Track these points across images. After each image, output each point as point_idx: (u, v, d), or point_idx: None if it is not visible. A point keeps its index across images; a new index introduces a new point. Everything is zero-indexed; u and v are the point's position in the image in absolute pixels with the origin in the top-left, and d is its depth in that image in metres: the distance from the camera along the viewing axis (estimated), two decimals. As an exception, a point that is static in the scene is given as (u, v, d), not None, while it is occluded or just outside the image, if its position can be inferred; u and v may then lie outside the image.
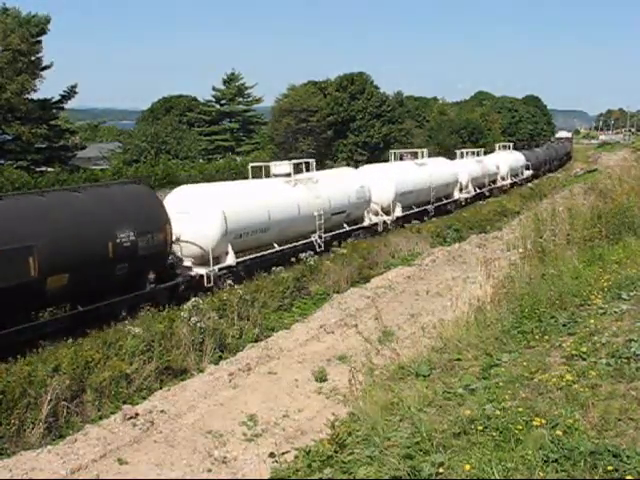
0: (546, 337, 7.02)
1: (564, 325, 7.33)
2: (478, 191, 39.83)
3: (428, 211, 31.61)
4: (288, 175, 22.11)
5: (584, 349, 6.07)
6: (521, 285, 10.04)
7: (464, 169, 37.92)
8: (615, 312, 7.24)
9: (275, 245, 20.12)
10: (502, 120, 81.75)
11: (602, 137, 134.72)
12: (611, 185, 19.22)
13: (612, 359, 5.72)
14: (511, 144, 54.16)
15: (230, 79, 64.98)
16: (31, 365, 11.05)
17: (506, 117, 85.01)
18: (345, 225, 25.13)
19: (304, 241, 21.60)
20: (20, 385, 10.34)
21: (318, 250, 21.82)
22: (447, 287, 18.19)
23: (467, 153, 43.00)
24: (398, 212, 28.23)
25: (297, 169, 23.46)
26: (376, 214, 27.12)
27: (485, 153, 55.11)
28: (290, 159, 38.76)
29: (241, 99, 65.47)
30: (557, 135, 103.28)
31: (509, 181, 46.71)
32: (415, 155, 33.96)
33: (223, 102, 65.13)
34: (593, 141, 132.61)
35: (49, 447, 9.66)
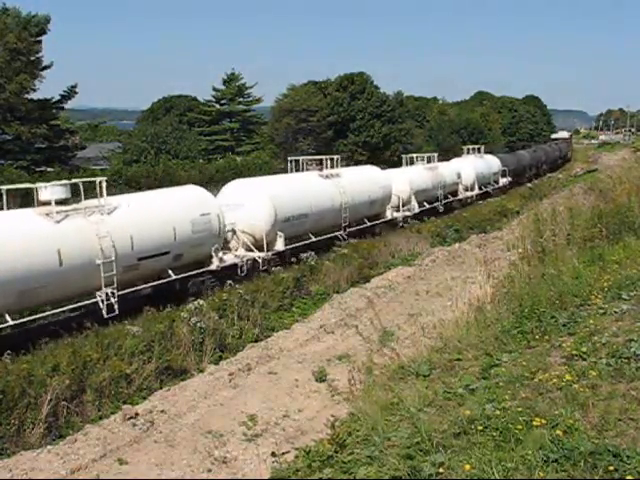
0: (546, 337, 7.02)
1: (564, 325, 7.33)
2: (427, 206, 32.27)
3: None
4: None
5: (584, 349, 6.06)
6: (521, 285, 10.04)
7: (403, 180, 30.06)
8: (615, 312, 7.24)
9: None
10: (502, 120, 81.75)
11: (602, 137, 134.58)
12: (611, 185, 19.23)
13: (612, 359, 5.72)
14: (481, 147, 44.87)
15: (230, 79, 64.91)
16: (30, 365, 11.05)
17: (506, 117, 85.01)
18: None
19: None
20: (20, 385, 10.34)
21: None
22: (447, 287, 18.14)
23: (417, 158, 36.49)
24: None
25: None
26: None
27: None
28: (290, 159, 38.74)
29: (241, 99, 65.39)
30: (554, 135, 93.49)
31: (476, 192, 39.27)
32: (320, 163, 26.38)
33: (223, 102, 65.06)
34: (593, 141, 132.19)
35: (49, 447, 9.66)
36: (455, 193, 37.03)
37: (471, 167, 39.16)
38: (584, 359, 5.90)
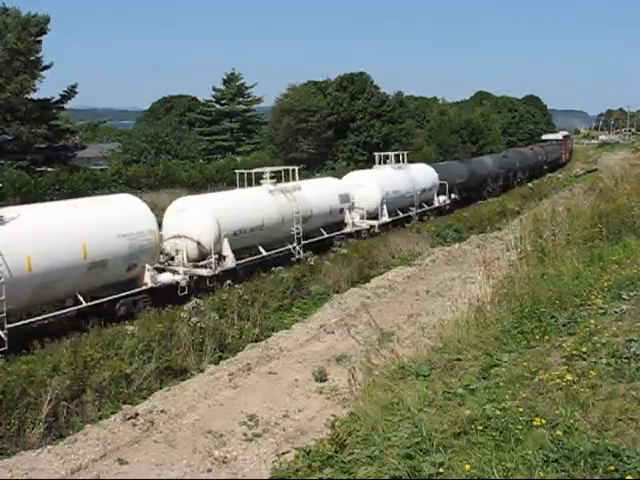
0: (546, 337, 7.02)
1: (564, 325, 7.33)
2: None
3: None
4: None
5: (584, 349, 6.06)
6: (521, 285, 10.04)
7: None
8: (615, 312, 7.24)
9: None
10: (502, 120, 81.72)
11: (602, 137, 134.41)
12: (611, 185, 19.24)
13: (612, 359, 5.72)
14: (405, 152, 33.80)
15: (230, 79, 64.90)
16: (30, 365, 11.06)
17: (506, 117, 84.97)
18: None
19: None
20: (20, 385, 10.34)
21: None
22: (447, 287, 18.17)
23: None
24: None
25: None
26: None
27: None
28: (290, 159, 38.76)
29: (241, 99, 65.37)
30: (545, 136, 76.79)
31: (384, 219, 27.39)
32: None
33: (223, 102, 65.05)
34: (593, 141, 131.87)
35: (49, 447, 9.66)
36: (340, 225, 25.20)
37: (381, 185, 27.83)
38: (584, 359, 5.90)
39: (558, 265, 10.32)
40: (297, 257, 21.51)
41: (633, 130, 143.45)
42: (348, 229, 25.54)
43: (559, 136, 76.78)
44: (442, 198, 33.90)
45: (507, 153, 51.52)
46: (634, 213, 13.12)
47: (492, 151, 58.44)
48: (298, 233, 21.73)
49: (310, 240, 22.71)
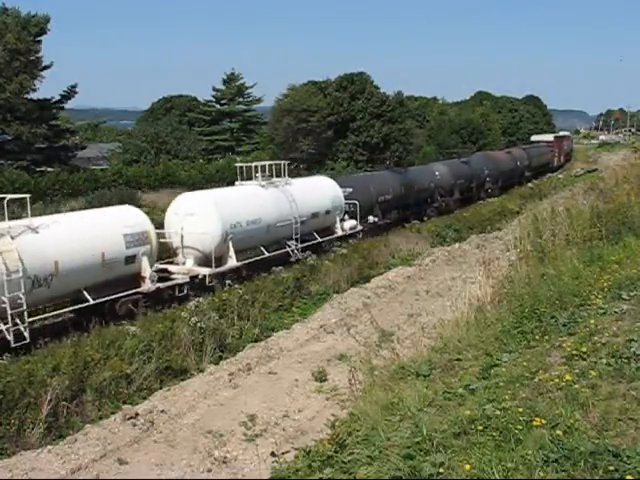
0: (546, 337, 7.01)
1: (564, 325, 7.33)
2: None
3: None
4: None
5: (584, 349, 6.06)
6: (521, 285, 10.04)
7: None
8: (615, 312, 7.23)
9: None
10: (502, 120, 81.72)
11: (602, 137, 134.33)
12: (611, 185, 19.24)
13: (612, 359, 5.72)
14: (285, 162, 23.58)
15: (230, 79, 64.90)
16: (31, 365, 11.06)
17: (506, 117, 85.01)
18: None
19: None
20: (20, 385, 10.35)
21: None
22: (447, 287, 18.18)
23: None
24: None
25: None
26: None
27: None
28: (290, 159, 38.81)
29: (241, 99, 65.38)
30: (536, 137, 70.23)
31: (229, 265, 18.71)
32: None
33: (223, 102, 65.05)
34: (592, 141, 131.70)
35: (49, 447, 9.67)
36: (137, 281, 16.31)
37: (213, 213, 18.54)
38: (584, 359, 5.90)
39: (558, 265, 10.32)
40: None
41: (633, 130, 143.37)
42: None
43: (549, 137, 68.65)
44: (350, 224, 25.08)
45: (470, 158, 41.88)
46: (634, 213, 13.11)
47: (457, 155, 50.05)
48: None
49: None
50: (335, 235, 24.40)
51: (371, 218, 26.93)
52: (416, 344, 9.71)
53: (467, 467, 4.14)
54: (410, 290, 19.05)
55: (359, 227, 25.66)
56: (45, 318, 14.44)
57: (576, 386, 5.15)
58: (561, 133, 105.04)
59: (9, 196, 14.58)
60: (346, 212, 25.48)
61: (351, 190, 26.04)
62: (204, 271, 17.96)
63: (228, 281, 17.89)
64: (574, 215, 14.72)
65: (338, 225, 24.80)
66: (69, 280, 14.17)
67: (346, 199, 25.44)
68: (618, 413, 4.71)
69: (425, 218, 31.54)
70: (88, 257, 14.74)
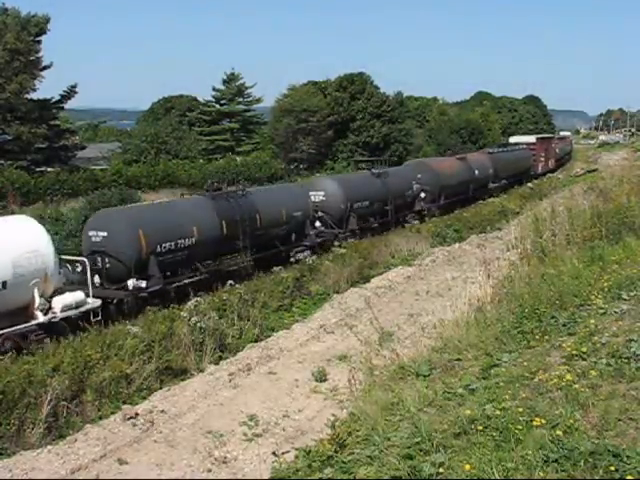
0: (546, 337, 7.01)
1: (564, 325, 7.33)
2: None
3: None
4: None
5: (584, 349, 6.06)
6: (521, 285, 10.04)
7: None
8: (615, 312, 7.23)
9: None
10: (502, 120, 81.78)
11: (602, 137, 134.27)
12: (611, 185, 19.24)
13: (612, 359, 5.72)
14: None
15: (230, 79, 64.94)
16: (31, 365, 11.06)
17: (506, 117, 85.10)
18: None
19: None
20: (20, 385, 10.35)
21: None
22: (447, 287, 18.18)
23: None
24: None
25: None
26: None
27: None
28: (290, 159, 38.75)
29: (241, 99, 65.41)
30: (514, 138, 59.09)
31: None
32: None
33: (223, 102, 65.10)
34: (590, 141, 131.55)
35: (49, 447, 9.66)
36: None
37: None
38: (584, 359, 5.90)
39: (558, 265, 10.32)
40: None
41: (633, 130, 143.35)
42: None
43: (531, 139, 56.42)
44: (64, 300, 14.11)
45: (387, 171, 29.91)
46: (634, 213, 13.11)
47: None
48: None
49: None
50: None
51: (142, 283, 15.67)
52: (416, 344, 9.71)
53: (467, 467, 4.14)
54: (410, 290, 19.04)
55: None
56: None
57: (576, 386, 5.15)
58: (561, 133, 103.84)
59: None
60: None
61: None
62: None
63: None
64: (574, 215, 14.72)
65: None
66: None
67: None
68: (618, 413, 4.71)
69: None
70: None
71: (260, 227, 19.75)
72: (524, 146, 52.37)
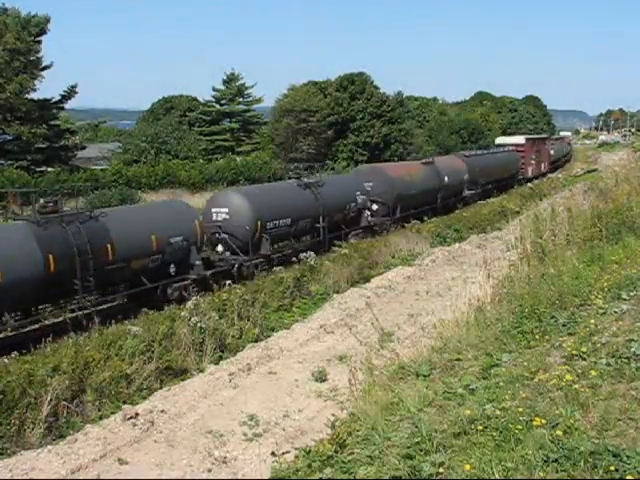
0: (546, 337, 7.02)
1: (564, 325, 7.33)
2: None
3: None
4: None
5: (584, 349, 6.06)
6: (521, 285, 10.04)
7: None
8: (615, 312, 7.23)
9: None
10: (502, 120, 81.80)
11: (602, 137, 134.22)
12: (611, 185, 19.23)
13: (612, 359, 5.72)
14: None
15: (230, 79, 64.96)
16: (31, 365, 11.06)
17: (506, 117, 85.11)
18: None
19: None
20: (20, 385, 10.35)
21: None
22: (447, 287, 18.19)
23: None
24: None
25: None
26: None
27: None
28: (290, 159, 38.83)
29: (241, 99, 65.45)
30: (501, 140, 53.36)
31: None
32: None
33: (223, 102, 65.12)
34: (587, 141, 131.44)
35: (49, 447, 9.66)
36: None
37: None
38: (584, 359, 5.90)
39: (558, 265, 10.32)
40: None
41: (633, 130, 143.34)
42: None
43: (519, 139, 51.38)
44: None
45: (323, 180, 24.16)
46: (634, 213, 13.11)
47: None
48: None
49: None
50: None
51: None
52: (416, 344, 9.71)
53: (467, 467, 4.14)
54: (410, 290, 19.04)
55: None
56: None
57: (576, 386, 5.15)
58: (561, 133, 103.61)
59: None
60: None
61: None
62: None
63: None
64: (574, 215, 14.72)
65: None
66: None
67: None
68: (618, 413, 4.72)
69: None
70: None
71: (112, 260, 15.38)
72: (511, 148, 48.03)
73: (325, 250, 22.48)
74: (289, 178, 26.13)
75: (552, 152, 60.05)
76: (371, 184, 27.03)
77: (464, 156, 38.08)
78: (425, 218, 30.30)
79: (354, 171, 31.74)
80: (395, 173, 29.15)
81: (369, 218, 26.39)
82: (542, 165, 54.08)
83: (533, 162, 50.84)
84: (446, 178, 32.95)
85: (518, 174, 47.43)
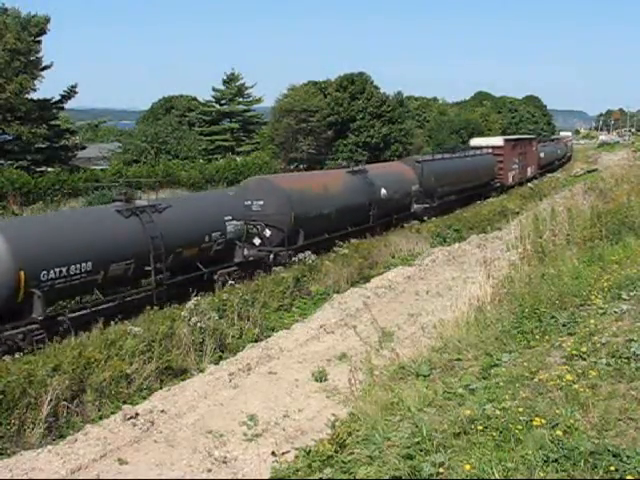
0: (546, 337, 7.02)
1: (564, 325, 7.34)
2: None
3: None
4: None
5: (584, 349, 6.07)
6: (521, 285, 10.05)
7: None
8: (615, 312, 7.24)
9: None
10: (502, 120, 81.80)
11: (602, 137, 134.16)
12: (611, 185, 19.25)
13: (612, 359, 5.73)
14: None
15: (230, 79, 64.95)
16: (31, 365, 11.06)
17: (506, 117, 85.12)
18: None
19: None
20: (20, 385, 10.35)
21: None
22: (447, 287, 18.19)
23: None
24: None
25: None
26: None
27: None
28: (290, 159, 38.81)
29: (241, 99, 65.44)
30: (476, 141, 46.71)
31: None
32: None
33: (223, 102, 65.12)
34: (582, 141, 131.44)
35: (49, 447, 9.65)
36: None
37: None
38: (584, 359, 5.91)
39: (558, 265, 10.33)
40: None
41: (633, 130, 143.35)
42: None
43: (497, 141, 44.51)
44: None
45: (168, 203, 17.22)
46: (634, 213, 13.13)
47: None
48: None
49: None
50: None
51: None
52: (416, 344, 9.73)
53: (467, 467, 4.15)
54: (410, 290, 19.04)
55: None
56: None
57: (576, 386, 5.15)
58: (561, 133, 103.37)
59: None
60: None
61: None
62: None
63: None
64: (574, 215, 14.74)
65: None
66: None
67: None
68: (618, 413, 4.72)
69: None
70: None
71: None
72: (489, 150, 41.60)
73: (160, 306, 15.21)
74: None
75: (542, 155, 54.40)
76: (261, 203, 20.33)
77: (415, 162, 31.24)
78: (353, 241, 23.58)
79: (239, 186, 23.48)
80: (293, 187, 21.69)
81: (246, 252, 19.08)
82: (528, 169, 48.42)
83: (515, 166, 44.90)
84: (383, 191, 26.10)
85: (494, 181, 41.18)
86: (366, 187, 25.44)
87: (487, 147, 42.43)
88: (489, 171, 40.08)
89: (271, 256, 20.01)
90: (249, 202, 20.22)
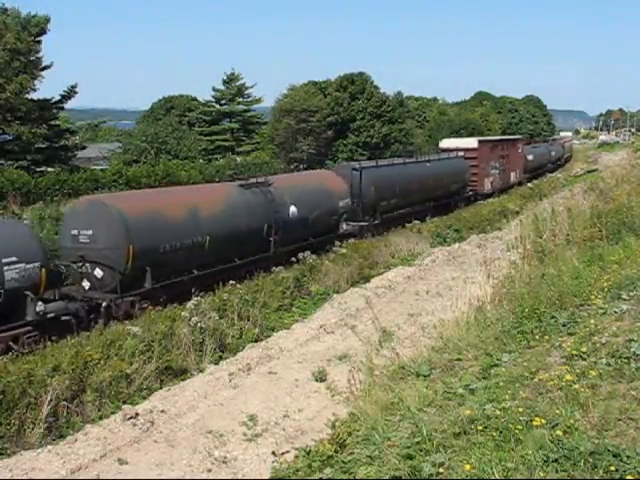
0: (546, 337, 7.02)
1: (564, 325, 7.34)
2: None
3: None
4: None
5: (584, 349, 6.07)
6: (521, 285, 10.05)
7: None
8: (615, 312, 7.24)
9: None
10: (502, 120, 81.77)
11: (602, 137, 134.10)
12: (611, 185, 19.26)
13: (612, 359, 5.72)
14: None
15: (230, 79, 64.90)
16: (31, 365, 11.06)
17: (506, 117, 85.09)
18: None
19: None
20: (20, 385, 10.35)
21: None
22: (447, 287, 18.19)
23: None
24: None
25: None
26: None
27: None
28: (290, 159, 38.76)
29: (241, 99, 65.37)
30: (445, 143, 40.62)
31: None
32: None
33: (223, 102, 65.06)
34: (582, 140, 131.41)
35: (49, 447, 9.66)
36: None
37: None
38: (584, 359, 5.91)
39: (558, 265, 10.33)
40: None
41: (633, 130, 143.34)
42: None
43: (471, 143, 38.63)
44: None
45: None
46: (634, 213, 13.13)
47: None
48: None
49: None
50: None
51: None
52: (416, 344, 9.73)
53: (467, 467, 4.15)
54: (410, 290, 19.04)
55: None
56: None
57: (576, 386, 5.16)
58: (562, 134, 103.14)
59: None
60: None
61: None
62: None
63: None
64: (574, 215, 14.74)
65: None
66: None
67: None
68: (618, 413, 4.72)
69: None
70: None
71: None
72: (460, 153, 36.07)
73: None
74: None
75: (530, 157, 48.64)
76: (90, 233, 15.10)
77: (352, 169, 25.04)
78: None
79: (68, 207, 19.10)
80: (135, 209, 15.79)
81: (39, 308, 13.24)
82: (512, 175, 42.89)
83: (495, 171, 39.55)
84: (292, 209, 20.72)
85: (465, 190, 35.84)
86: (265, 205, 19.61)
87: (460, 149, 36.78)
88: (458, 178, 34.47)
89: (103, 304, 14.45)
90: (75, 231, 15.22)
